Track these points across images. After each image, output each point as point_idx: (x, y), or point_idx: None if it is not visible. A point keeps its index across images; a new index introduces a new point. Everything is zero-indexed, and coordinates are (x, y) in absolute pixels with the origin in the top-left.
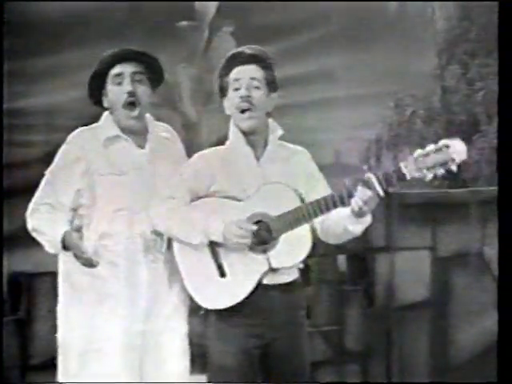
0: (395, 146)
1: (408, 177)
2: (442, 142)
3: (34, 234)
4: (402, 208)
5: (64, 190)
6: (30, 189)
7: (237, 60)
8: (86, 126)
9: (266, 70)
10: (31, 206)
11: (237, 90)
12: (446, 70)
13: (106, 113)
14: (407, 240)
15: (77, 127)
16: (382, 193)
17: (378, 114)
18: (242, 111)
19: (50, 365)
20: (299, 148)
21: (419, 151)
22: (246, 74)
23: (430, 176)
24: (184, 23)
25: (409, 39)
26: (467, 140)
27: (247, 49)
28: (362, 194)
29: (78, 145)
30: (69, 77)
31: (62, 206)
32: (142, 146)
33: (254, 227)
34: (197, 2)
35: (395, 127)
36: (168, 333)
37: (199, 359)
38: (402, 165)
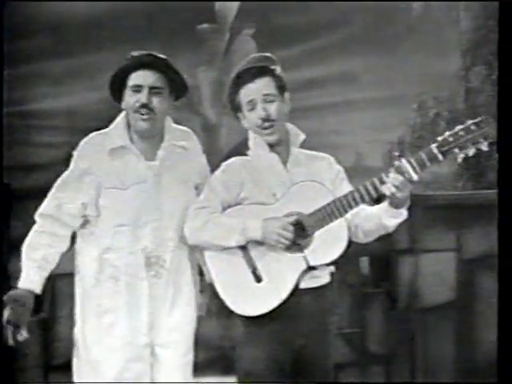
0: (418, 149)
1: (440, 157)
2: (472, 120)
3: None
4: (427, 210)
5: (69, 204)
6: None
7: (245, 78)
8: (107, 127)
9: (275, 78)
10: (40, 208)
11: (252, 110)
12: (471, 71)
13: (121, 115)
14: (432, 242)
15: (97, 129)
16: (414, 176)
17: (400, 116)
18: (265, 128)
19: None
20: (322, 153)
21: (449, 132)
22: (258, 93)
23: (461, 156)
24: (204, 26)
25: (433, 40)
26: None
27: (253, 63)
28: (393, 180)
29: (87, 155)
30: (89, 79)
31: (62, 221)
32: (151, 158)
33: (293, 219)
34: (217, 5)
35: (418, 129)
36: (171, 346)
37: (220, 361)
38: (433, 146)
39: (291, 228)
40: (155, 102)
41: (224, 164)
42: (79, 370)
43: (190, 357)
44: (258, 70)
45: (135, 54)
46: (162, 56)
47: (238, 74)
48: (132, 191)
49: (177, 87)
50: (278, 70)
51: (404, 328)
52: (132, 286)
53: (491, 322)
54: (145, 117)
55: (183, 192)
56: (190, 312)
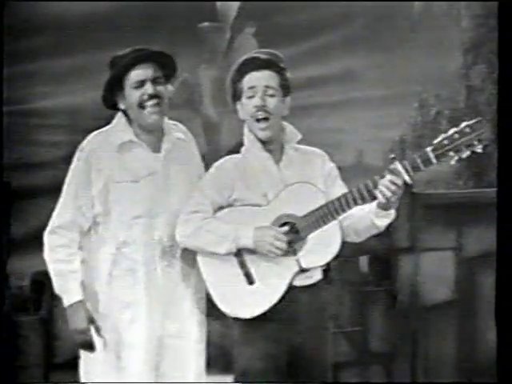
0: (419, 147)
1: (434, 161)
2: (466, 123)
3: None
4: (427, 209)
5: (80, 205)
6: (55, 188)
7: (250, 65)
8: (107, 125)
9: (280, 75)
10: (50, 224)
11: (251, 97)
12: (472, 69)
13: (118, 114)
14: (432, 241)
15: (98, 128)
16: (408, 180)
17: (401, 115)
18: (258, 120)
19: (74, 363)
20: (316, 150)
21: (443, 135)
22: (260, 82)
23: (455, 159)
24: (206, 24)
25: (434, 38)
26: (493, 140)
27: (261, 54)
28: (388, 183)
29: (90, 152)
30: (90, 78)
31: (76, 226)
32: (156, 150)
33: (286, 229)
34: (218, 3)
35: (419, 128)
36: (184, 336)
37: (220, 359)
38: (427, 149)
39: (284, 238)
40: (160, 90)
41: (215, 165)
42: (93, 370)
43: (203, 346)
44: (265, 62)
45: (121, 53)
46: (147, 47)
47: (244, 60)
48: (144, 183)
49: (168, 69)
50: (285, 70)
51: (405, 327)
52: (149, 277)
53: (491, 321)
54: (156, 109)
55: (189, 182)
56: (201, 304)
